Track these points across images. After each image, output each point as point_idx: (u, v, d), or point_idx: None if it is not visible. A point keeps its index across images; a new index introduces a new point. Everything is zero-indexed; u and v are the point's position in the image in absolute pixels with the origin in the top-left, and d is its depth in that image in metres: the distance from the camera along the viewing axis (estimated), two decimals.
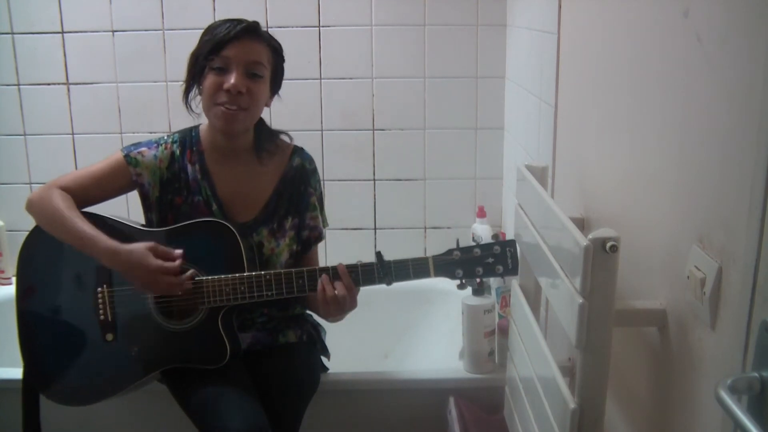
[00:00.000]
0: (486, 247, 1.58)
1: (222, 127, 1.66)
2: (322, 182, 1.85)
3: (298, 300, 1.81)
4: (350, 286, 1.59)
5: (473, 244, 1.60)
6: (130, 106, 2.50)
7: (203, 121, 1.75)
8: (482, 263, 1.58)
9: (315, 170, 1.81)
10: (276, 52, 1.71)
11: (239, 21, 1.65)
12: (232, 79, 1.60)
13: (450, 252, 1.59)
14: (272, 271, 1.62)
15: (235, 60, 1.61)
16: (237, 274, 1.61)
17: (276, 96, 1.78)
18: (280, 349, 1.78)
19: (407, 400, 1.95)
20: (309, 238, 1.81)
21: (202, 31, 1.70)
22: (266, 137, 1.77)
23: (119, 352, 1.67)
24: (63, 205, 1.60)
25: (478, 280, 1.60)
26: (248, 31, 1.63)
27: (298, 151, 1.80)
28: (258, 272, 1.62)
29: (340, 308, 1.61)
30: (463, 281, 1.59)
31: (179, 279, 1.56)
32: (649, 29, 1.13)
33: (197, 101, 1.72)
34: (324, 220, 1.86)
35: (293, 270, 1.62)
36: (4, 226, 2.56)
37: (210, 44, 1.62)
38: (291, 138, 1.81)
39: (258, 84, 1.64)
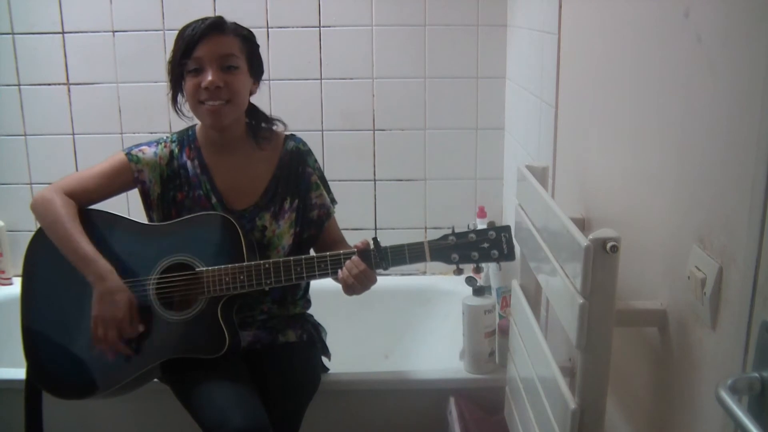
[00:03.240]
0: (481, 233, 1.59)
1: (210, 124, 1.70)
2: (318, 161, 1.85)
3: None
4: (356, 272, 1.60)
5: (467, 229, 1.61)
6: (131, 107, 2.50)
7: (198, 122, 1.77)
8: (478, 248, 1.59)
9: (310, 151, 1.84)
10: (246, 39, 1.72)
11: (203, 20, 1.67)
12: (208, 77, 1.63)
13: (446, 237, 1.60)
14: (271, 260, 1.64)
15: (207, 58, 1.64)
16: (236, 264, 1.63)
17: (260, 81, 1.78)
18: (280, 349, 1.79)
19: (407, 400, 1.95)
20: (319, 216, 1.83)
21: None
22: (261, 121, 1.80)
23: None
24: (65, 214, 1.64)
25: (473, 265, 1.61)
26: (213, 27, 1.65)
27: (290, 136, 1.84)
28: (257, 261, 1.64)
29: (361, 288, 1.62)
30: (459, 266, 1.60)
31: (117, 345, 1.61)
32: (649, 29, 1.13)
33: (187, 106, 1.73)
34: (331, 197, 1.87)
35: (291, 258, 1.64)
36: (4, 226, 2.56)
37: (181, 49, 1.65)
38: (285, 125, 1.83)
39: (235, 75, 1.67)
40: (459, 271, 1.62)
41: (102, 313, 1.59)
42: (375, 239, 1.62)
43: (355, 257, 1.61)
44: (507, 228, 1.59)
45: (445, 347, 2.15)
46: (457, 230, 1.61)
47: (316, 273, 1.63)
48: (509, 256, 1.58)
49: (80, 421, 1.92)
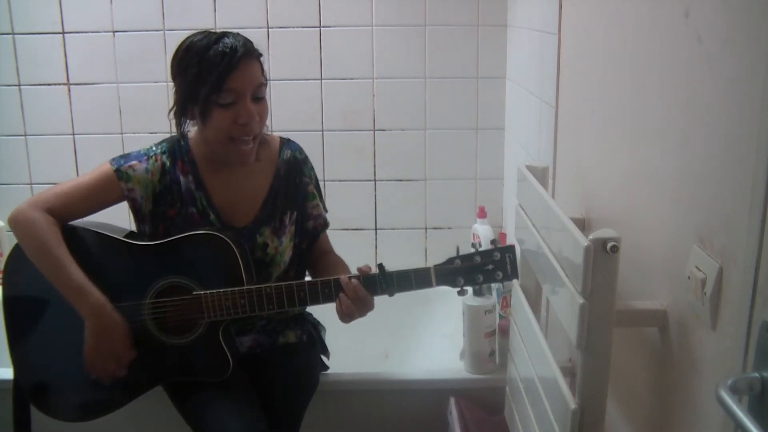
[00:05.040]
0: (486, 254, 1.56)
1: (241, 163, 1.65)
2: (314, 169, 1.81)
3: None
4: (354, 297, 1.56)
5: (473, 251, 1.58)
6: (131, 107, 2.50)
7: (191, 131, 1.70)
8: (482, 270, 1.55)
9: (306, 158, 1.79)
10: (260, 58, 1.62)
11: (231, 47, 1.53)
12: (244, 113, 1.55)
13: (451, 261, 1.57)
14: (272, 284, 1.58)
15: (242, 90, 1.54)
16: (236, 288, 1.57)
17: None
18: (280, 350, 1.78)
19: (407, 400, 1.95)
20: (315, 227, 1.79)
21: None
22: None
23: None
24: (51, 239, 1.56)
25: (477, 287, 1.59)
26: (245, 55, 1.54)
27: (286, 143, 1.77)
28: (258, 286, 1.58)
29: (358, 315, 1.59)
30: (464, 288, 1.59)
31: (115, 373, 1.57)
32: (649, 30, 1.13)
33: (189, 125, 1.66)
34: (324, 206, 1.83)
35: (294, 283, 1.59)
36: (4, 226, 2.56)
37: (211, 80, 1.51)
38: (268, 128, 1.75)
39: (263, 104, 1.61)
40: (463, 292, 1.60)
41: (98, 347, 1.54)
42: (380, 265, 1.57)
43: (355, 281, 1.55)
44: (511, 248, 1.55)
45: (445, 347, 2.15)
46: (461, 250, 1.58)
47: (320, 298, 1.59)
48: (513, 275, 1.55)
49: (71, 423, 1.90)
